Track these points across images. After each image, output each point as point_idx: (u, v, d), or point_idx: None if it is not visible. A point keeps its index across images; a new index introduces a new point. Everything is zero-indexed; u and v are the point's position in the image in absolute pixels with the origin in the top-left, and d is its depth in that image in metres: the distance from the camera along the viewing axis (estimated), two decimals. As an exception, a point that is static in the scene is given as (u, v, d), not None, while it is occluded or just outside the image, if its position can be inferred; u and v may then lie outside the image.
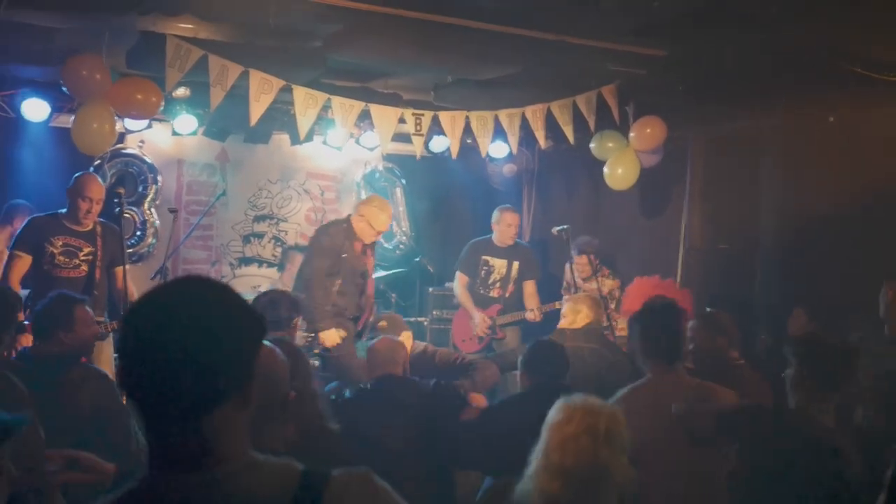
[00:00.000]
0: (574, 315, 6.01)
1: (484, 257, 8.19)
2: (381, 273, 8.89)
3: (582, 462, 2.65)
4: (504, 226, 8.11)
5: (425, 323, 8.82)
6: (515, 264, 8.17)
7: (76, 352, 4.60)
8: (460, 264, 8.26)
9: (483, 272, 8.18)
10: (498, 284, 8.17)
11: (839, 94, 6.71)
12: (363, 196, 9.57)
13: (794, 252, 7.39)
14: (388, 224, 7.17)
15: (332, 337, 6.55)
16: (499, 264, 8.18)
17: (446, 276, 8.92)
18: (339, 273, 6.78)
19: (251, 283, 8.92)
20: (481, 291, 8.15)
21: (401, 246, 9.58)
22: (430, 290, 8.90)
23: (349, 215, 7.11)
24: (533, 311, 7.91)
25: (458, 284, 8.21)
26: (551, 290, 8.34)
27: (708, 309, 6.77)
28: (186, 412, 1.54)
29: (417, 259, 8.94)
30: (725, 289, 7.65)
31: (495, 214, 8.21)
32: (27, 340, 5.70)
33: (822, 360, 3.75)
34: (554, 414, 2.83)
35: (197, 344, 1.52)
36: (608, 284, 8.06)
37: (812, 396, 3.73)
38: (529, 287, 8.16)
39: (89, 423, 4.21)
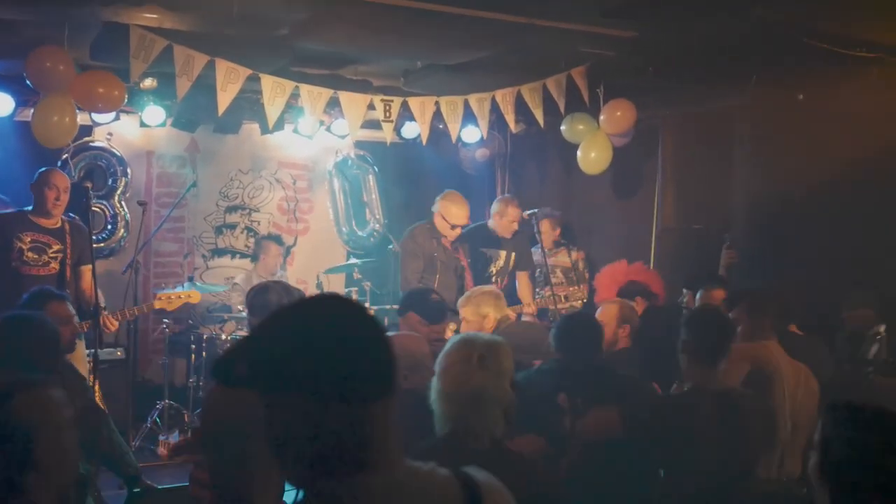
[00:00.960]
0: (480, 320, 5.77)
1: (482, 249, 7.84)
2: (354, 261, 8.86)
3: (458, 385, 3.04)
4: (508, 220, 7.76)
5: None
6: (513, 255, 7.94)
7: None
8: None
9: (481, 264, 7.86)
10: (494, 277, 7.82)
11: (808, 71, 6.74)
12: (335, 184, 9.53)
13: (766, 230, 7.43)
14: (465, 217, 7.17)
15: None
16: (498, 256, 7.88)
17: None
18: (435, 271, 6.88)
19: (224, 274, 8.87)
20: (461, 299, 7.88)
21: (374, 234, 9.54)
22: (405, 277, 8.85)
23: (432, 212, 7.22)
24: (529, 304, 7.66)
25: None
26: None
27: (685, 290, 6.79)
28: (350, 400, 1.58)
29: (391, 246, 8.90)
30: (699, 268, 7.67)
31: (498, 205, 7.87)
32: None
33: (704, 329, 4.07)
34: (445, 346, 3.23)
35: (366, 339, 1.63)
36: (574, 255, 8.20)
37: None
38: (523, 278, 7.92)
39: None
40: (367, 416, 1.59)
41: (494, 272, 7.79)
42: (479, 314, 5.92)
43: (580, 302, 7.78)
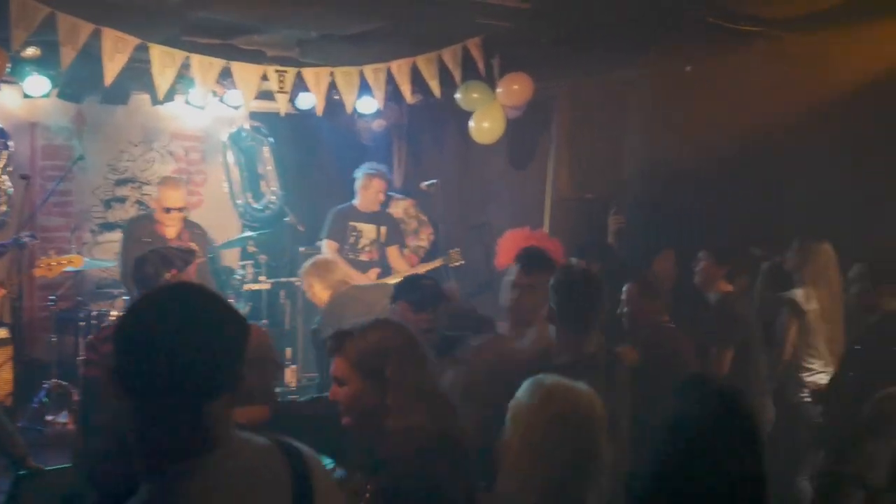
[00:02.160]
0: (308, 291, 6.12)
1: (351, 223, 8.05)
2: (249, 233, 8.75)
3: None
4: (373, 192, 8.00)
5: (297, 283, 8.71)
6: (383, 229, 8.12)
7: None
8: (328, 232, 8.04)
9: (352, 238, 8.04)
10: (367, 248, 8.06)
11: (697, 44, 6.91)
12: (230, 156, 9.37)
13: (656, 199, 7.61)
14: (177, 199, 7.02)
15: None
16: (367, 229, 8.07)
17: (316, 235, 8.83)
18: None
19: (114, 249, 8.61)
20: (351, 256, 8.01)
21: (270, 206, 9.43)
22: (301, 249, 8.78)
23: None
24: (404, 270, 7.85)
25: (329, 251, 7.90)
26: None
27: (574, 259, 6.91)
28: (192, 403, 1.74)
29: (286, 219, 8.81)
30: (592, 238, 7.82)
31: (361, 179, 8.05)
32: None
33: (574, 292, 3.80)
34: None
35: (202, 340, 1.73)
36: (400, 205, 8.66)
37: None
38: (393, 252, 8.16)
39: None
40: (209, 412, 1.75)
41: (365, 245, 8.00)
42: (307, 285, 6.23)
43: (426, 242, 8.02)
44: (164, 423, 1.73)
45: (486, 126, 8.10)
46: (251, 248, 8.62)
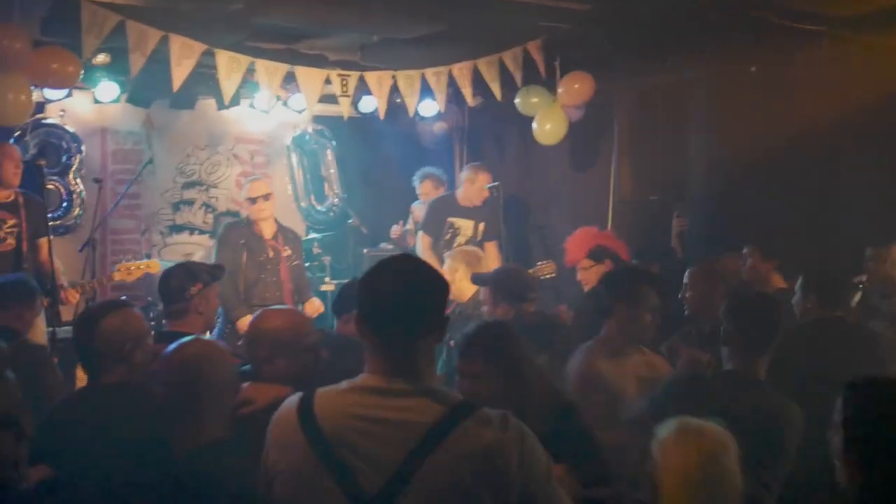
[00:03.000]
0: (451, 275, 5.88)
1: (450, 219, 7.87)
2: (313, 235, 8.87)
3: None
4: (478, 187, 7.78)
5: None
6: (482, 225, 7.93)
7: (26, 327, 4.73)
8: (424, 225, 7.94)
9: (449, 234, 7.86)
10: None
11: (760, 43, 6.83)
12: (293, 159, 9.50)
13: (720, 200, 7.54)
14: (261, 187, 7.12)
15: None
16: (465, 225, 7.87)
17: (379, 237, 8.91)
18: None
19: (183, 250, 8.82)
20: (446, 253, 7.85)
21: (333, 208, 9.53)
22: (365, 251, 8.88)
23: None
24: None
25: (422, 246, 7.83)
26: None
27: (633, 262, 6.89)
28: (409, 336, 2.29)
29: (349, 221, 8.90)
30: (655, 240, 7.77)
31: (467, 172, 7.90)
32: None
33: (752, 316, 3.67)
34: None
35: (424, 289, 2.33)
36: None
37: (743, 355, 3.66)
38: (491, 249, 7.86)
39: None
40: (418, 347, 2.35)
41: (461, 243, 7.70)
42: (450, 269, 6.00)
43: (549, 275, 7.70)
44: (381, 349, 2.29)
45: (548, 128, 8.11)
46: (316, 250, 8.73)
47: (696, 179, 7.91)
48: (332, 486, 2.20)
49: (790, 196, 6.87)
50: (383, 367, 2.28)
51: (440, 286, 2.37)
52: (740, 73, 7.26)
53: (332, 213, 9.55)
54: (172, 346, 2.92)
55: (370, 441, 2.20)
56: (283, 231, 7.18)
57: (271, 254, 6.97)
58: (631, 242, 7.81)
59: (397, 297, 2.27)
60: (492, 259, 7.80)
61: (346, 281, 6.56)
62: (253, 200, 6.97)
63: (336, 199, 9.48)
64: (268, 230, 7.03)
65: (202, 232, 9.01)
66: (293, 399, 2.38)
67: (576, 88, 7.89)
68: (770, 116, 6.94)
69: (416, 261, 2.51)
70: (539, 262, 7.78)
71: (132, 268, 6.78)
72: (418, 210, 8.48)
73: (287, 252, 7.04)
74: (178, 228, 8.95)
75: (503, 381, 3.18)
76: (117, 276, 6.76)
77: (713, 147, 7.70)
